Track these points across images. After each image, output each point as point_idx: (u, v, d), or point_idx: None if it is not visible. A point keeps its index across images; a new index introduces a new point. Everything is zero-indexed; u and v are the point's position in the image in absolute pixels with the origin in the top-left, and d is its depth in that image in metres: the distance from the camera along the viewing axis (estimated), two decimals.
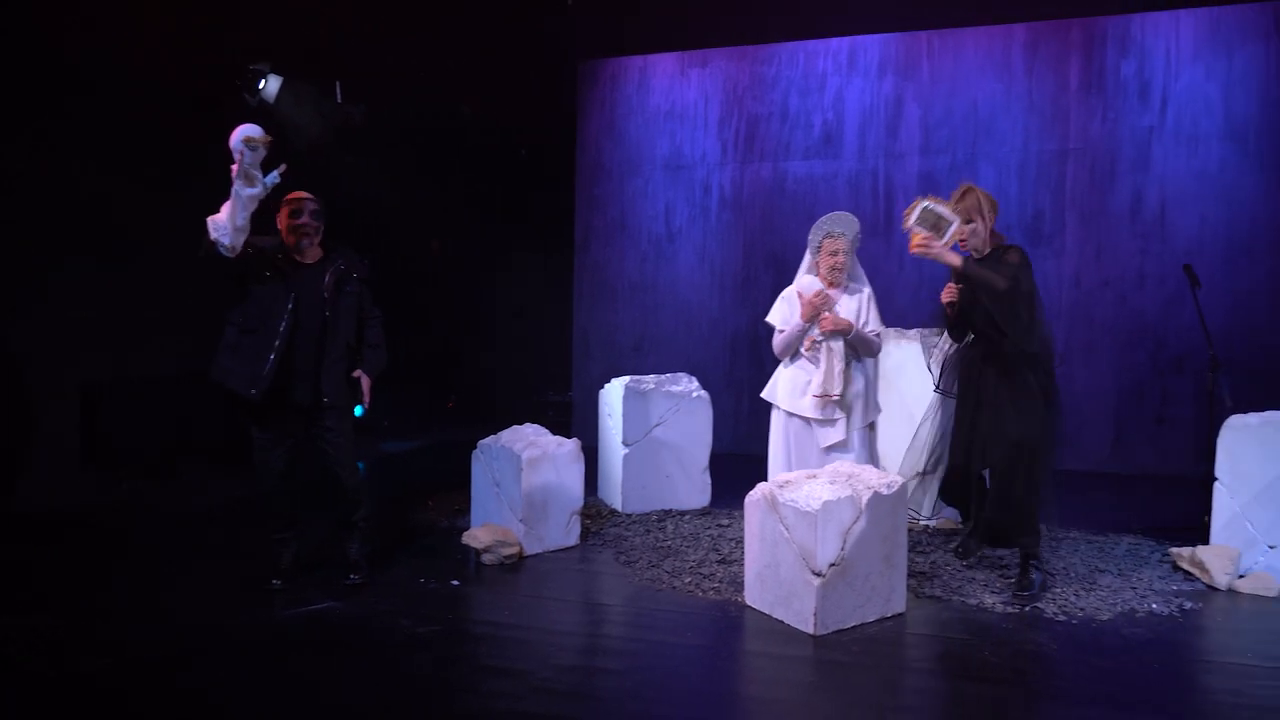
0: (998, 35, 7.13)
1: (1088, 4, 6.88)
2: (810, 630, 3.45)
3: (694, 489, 5.60)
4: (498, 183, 9.26)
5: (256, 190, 3.59)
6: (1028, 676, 3.10)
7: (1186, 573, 4.22)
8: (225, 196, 3.57)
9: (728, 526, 5.07)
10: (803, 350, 4.34)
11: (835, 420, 4.24)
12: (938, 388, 4.27)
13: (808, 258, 4.44)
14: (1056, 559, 4.39)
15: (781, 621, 3.59)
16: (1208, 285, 5.67)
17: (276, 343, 3.77)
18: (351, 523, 4.12)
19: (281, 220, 3.91)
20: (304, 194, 3.93)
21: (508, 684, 3.04)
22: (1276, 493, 4.04)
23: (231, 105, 5.55)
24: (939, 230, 3.76)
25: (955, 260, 3.73)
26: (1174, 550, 4.40)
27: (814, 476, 3.75)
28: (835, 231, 4.27)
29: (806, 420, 4.30)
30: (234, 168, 3.56)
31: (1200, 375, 6.36)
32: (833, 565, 3.45)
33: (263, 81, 5.97)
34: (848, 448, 4.24)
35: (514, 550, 4.43)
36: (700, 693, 3.06)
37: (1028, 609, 3.72)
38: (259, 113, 5.80)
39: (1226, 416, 4.33)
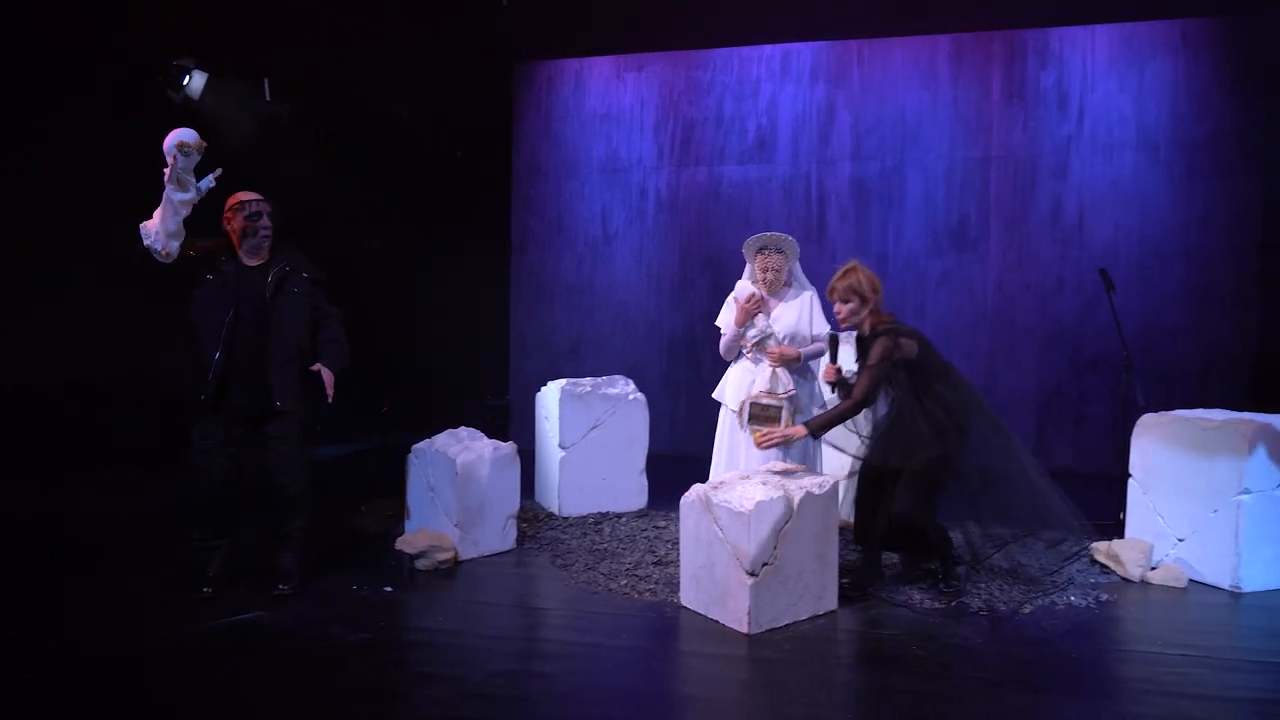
0: (924, 46, 7.33)
1: (1009, 16, 7.12)
2: (744, 629, 3.50)
3: (631, 491, 5.62)
4: (432, 183, 9.15)
5: (189, 195, 3.53)
6: (952, 669, 3.19)
7: (1103, 566, 4.39)
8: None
9: (664, 528, 5.11)
10: (744, 353, 4.39)
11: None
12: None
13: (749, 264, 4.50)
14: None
15: (716, 621, 3.63)
16: (1122, 290, 5.92)
17: (221, 344, 3.71)
18: (287, 532, 4.04)
19: (234, 222, 3.82)
20: (256, 195, 3.86)
21: (440, 690, 3.01)
22: (1184, 488, 4.22)
23: (155, 103, 5.41)
24: (773, 419, 3.97)
25: (800, 432, 3.79)
26: (1092, 545, 4.58)
27: (748, 477, 3.80)
28: (769, 248, 4.32)
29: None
30: (166, 171, 3.48)
31: (1115, 376, 6.63)
32: (766, 565, 3.51)
33: (187, 78, 5.82)
34: (789, 447, 4.30)
35: (449, 555, 4.39)
36: (634, 694, 3.07)
37: (953, 604, 3.83)
38: (186, 111, 5.66)
39: (1139, 415, 4.53)
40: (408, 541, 4.41)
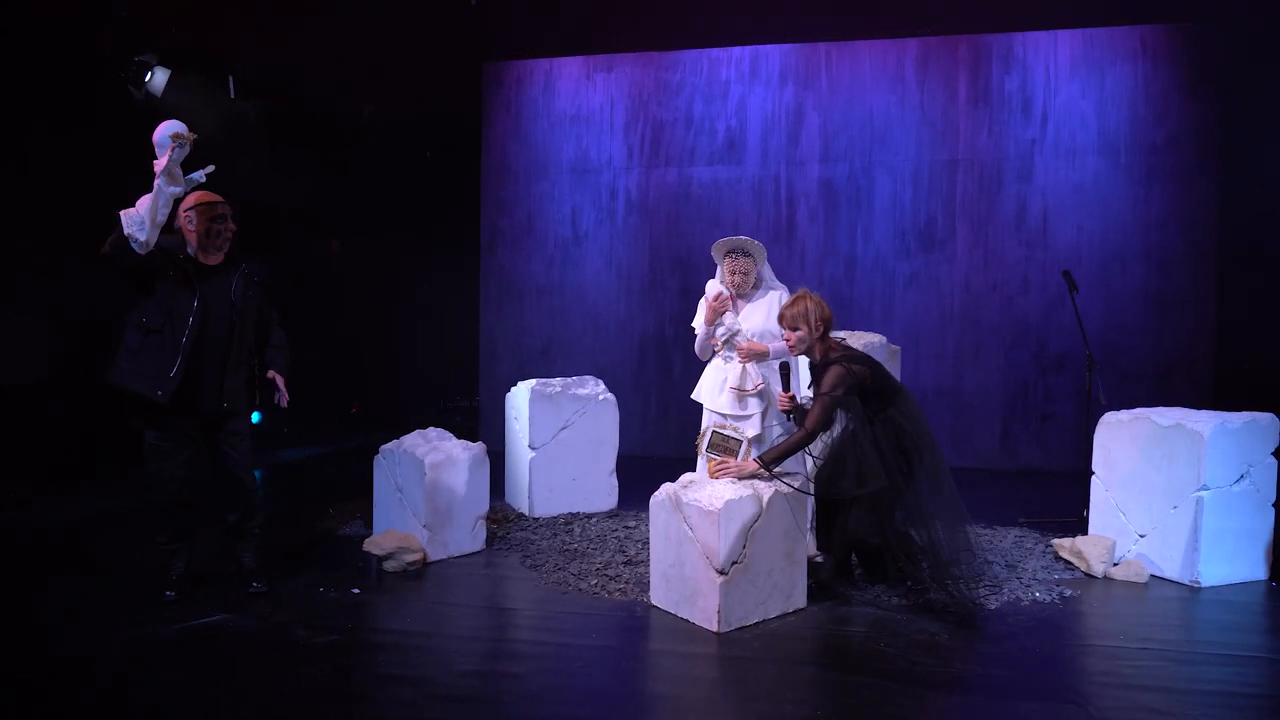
0: (891, 49, 7.41)
1: (974, 21, 7.21)
2: (714, 628, 3.51)
3: (601, 491, 5.61)
4: (400, 184, 9.08)
5: (179, 189, 3.48)
6: (918, 666, 3.22)
7: (1067, 562, 4.46)
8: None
9: (634, 528, 5.11)
10: (716, 350, 4.41)
11: (751, 415, 4.31)
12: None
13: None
14: None
15: (686, 620, 3.64)
16: (1085, 290, 6.02)
17: (184, 342, 3.67)
18: (248, 530, 4.03)
19: (197, 221, 3.78)
20: (217, 196, 3.83)
21: (407, 692, 2.98)
22: (1145, 485, 4.30)
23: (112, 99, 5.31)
24: (732, 451, 4.02)
25: (753, 467, 3.81)
26: (1056, 541, 4.65)
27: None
28: (736, 252, 4.34)
29: (726, 417, 4.36)
30: (158, 163, 3.46)
31: (1079, 375, 6.75)
32: (735, 563, 3.52)
33: (149, 74, 5.73)
34: (765, 443, 4.31)
35: (417, 556, 4.35)
36: (603, 693, 3.07)
37: (920, 601, 3.87)
38: (148, 108, 5.56)
39: (1102, 413, 4.60)
40: (375, 543, 4.37)
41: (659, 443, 7.67)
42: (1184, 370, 6.96)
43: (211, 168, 3.64)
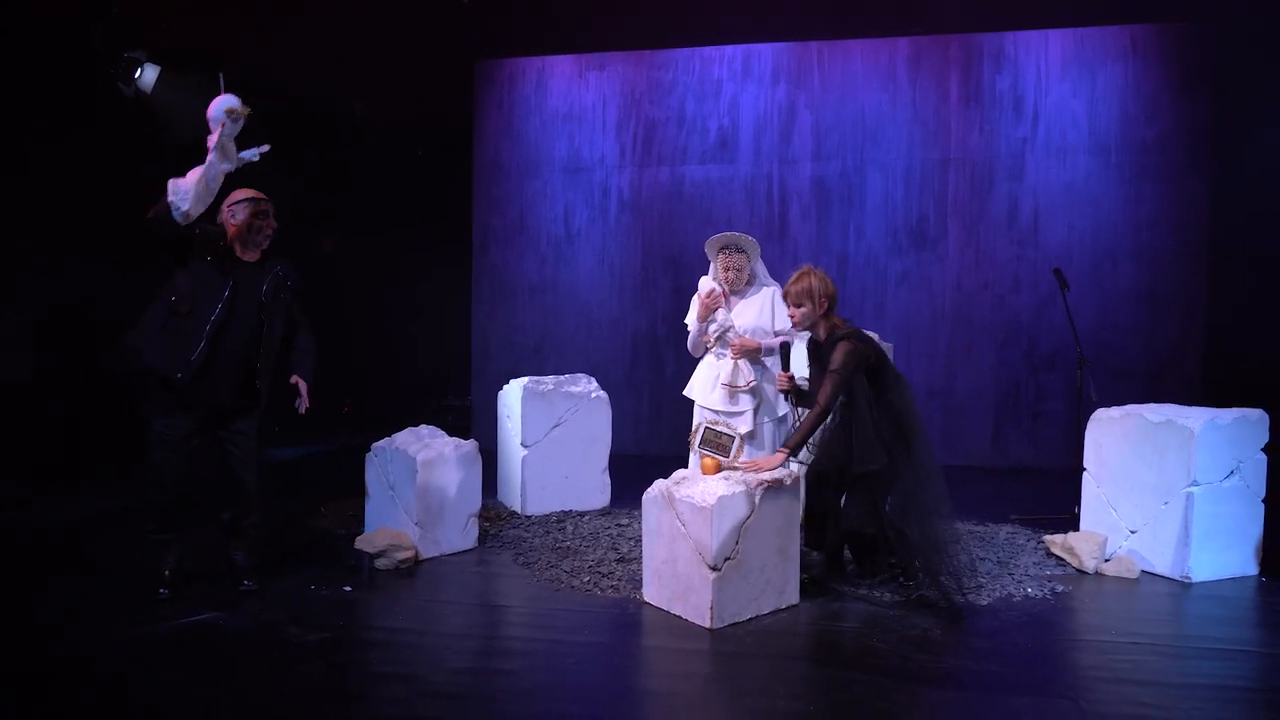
0: (883, 48, 7.42)
1: (965, 20, 7.23)
2: (707, 624, 3.50)
3: (594, 489, 5.61)
4: (393, 182, 9.06)
5: (230, 165, 3.49)
6: (910, 661, 3.22)
7: (1059, 558, 4.47)
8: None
9: (627, 526, 5.10)
10: (709, 347, 4.41)
11: (743, 412, 4.31)
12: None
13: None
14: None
15: (679, 616, 3.63)
16: (1076, 289, 6.04)
17: (208, 329, 3.66)
18: (242, 528, 4.00)
19: (241, 215, 3.78)
20: (262, 194, 3.85)
21: (399, 689, 2.97)
22: (1136, 481, 4.32)
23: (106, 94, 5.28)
24: (724, 448, 4.03)
25: (780, 459, 3.73)
26: (1047, 538, 4.66)
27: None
28: (730, 248, 4.34)
29: (718, 414, 4.36)
30: (211, 139, 3.45)
31: (1070, 372, 6.77)
32: (728, 559, 3.52)
33: (139, 70, 5.69)
34: (757, 439, 4.32)
35: (409, 554, 4.34)
36: (595, 689, 3.06)
37: (913, 597, 3.87)
38: (138, 105, 5.53)
39: (1093, 411, 4.62)
40: (367, 540, 4.35)
41: (651, 441, 7.66)
42: (1175, 369, 6.99)
43: (267, 147, 3.61)
